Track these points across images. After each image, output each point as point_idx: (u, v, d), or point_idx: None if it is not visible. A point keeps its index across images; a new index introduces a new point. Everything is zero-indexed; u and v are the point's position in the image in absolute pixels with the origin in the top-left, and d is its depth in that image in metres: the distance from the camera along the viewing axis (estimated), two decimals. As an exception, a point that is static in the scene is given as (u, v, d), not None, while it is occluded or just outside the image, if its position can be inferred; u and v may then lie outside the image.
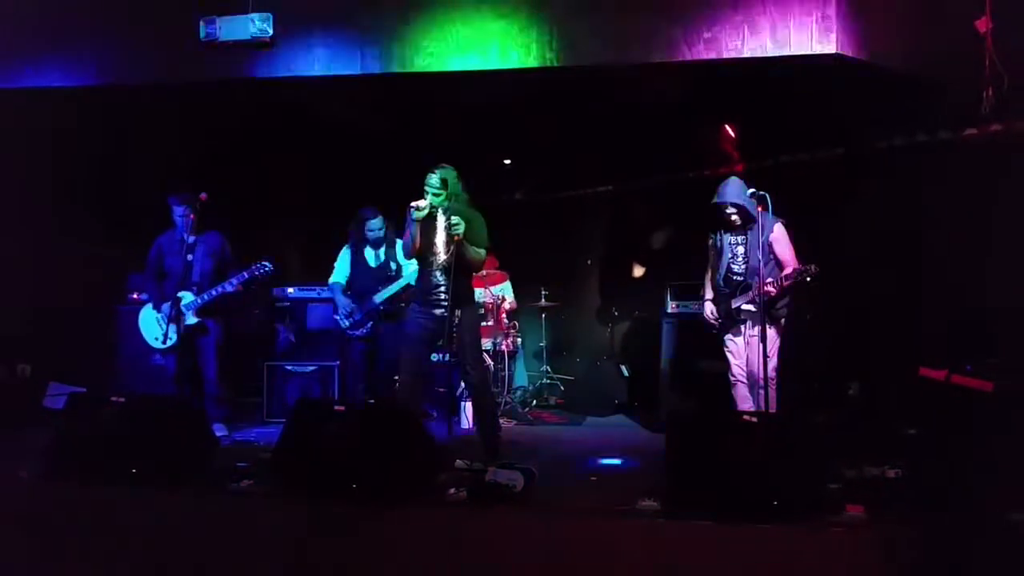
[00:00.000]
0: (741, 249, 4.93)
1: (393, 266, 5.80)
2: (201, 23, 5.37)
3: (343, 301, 5.74)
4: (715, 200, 4.86)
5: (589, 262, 8.13)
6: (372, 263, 5.81)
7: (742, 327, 4.96)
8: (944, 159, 5.24)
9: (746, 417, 3.89)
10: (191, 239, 5.59)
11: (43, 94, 5.77)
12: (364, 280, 5.77)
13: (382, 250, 5.83)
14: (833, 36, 4.81)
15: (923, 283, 5.42)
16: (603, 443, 5.65)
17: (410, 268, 5.62)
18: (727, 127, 6.70)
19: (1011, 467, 3.44)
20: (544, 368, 7.31)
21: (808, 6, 4.86)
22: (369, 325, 5.73)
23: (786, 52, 4.89)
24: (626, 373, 7.17)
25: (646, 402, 6.97)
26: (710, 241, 5.12)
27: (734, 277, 4.94)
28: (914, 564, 3.29)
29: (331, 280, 5.87)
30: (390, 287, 5.71)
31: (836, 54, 4.81)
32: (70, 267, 6.63)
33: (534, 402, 7.06)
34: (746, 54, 4.93)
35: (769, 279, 4.66)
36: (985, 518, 3.38)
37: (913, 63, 4.96)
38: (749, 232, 4.85)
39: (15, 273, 6.31)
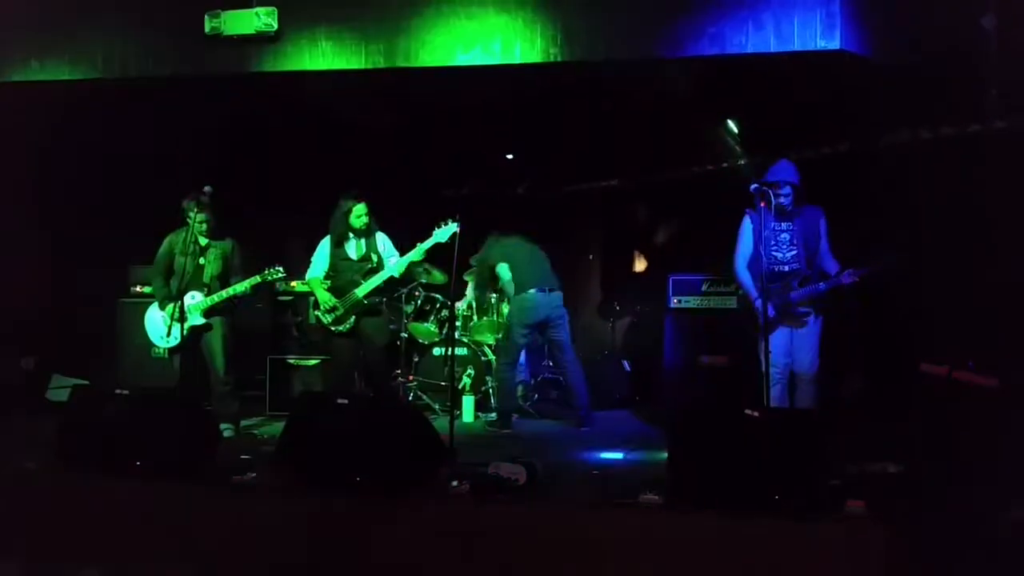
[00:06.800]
0: (786, 236, 4.66)
1: (375, 258, 5.50)
2: (206, 17, 5.38)
3: (324, 296, 5.44)
4: (767, 178, 4.57)
5: (591, 257, 8.13)
6: (353, 255, 5.51)
7: (784, 323, 4.68)
8: (948, 155, 5.24)
9: (747, 412, 3.90)
10: (204, 242, 5.57)
11: (48, 87, 5.78)
12: (345, 273, 5.49)
13: (363, 241, 5.54)
14: (837, 32, 4.81)
15: (926, 278, 5.42)
16: (605, 437, 5.66)
17: (391, 260, 5.50)
18: (731, 123, 6.69)
19: (1012, 463, 3.45)
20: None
21: (812, 2, 4.85)
22: (352, 320, 5.46)
23: (790, 48, 4.89)
24: (627, 368, 7.17)
25: (647, 397, 6.98)
26: (744, 225, 4.81)
27: (782, 267, 4.66)
28: (914, 560, 3.30)
29: (309, 275, 5.59)
30: (372, 279, 5.42)
31: (840, 50, 4.81)
32: (73, 259, 6.63)
33: (536, 396, 7.07)
34: (750, 50, 4.92)
35: (849, 270, 4.45)
36: (986, 514, 3.39)
37: (918, 59, 4.96)
38: (797, 219, 4.63)
39: (18, 265, 6.32)
